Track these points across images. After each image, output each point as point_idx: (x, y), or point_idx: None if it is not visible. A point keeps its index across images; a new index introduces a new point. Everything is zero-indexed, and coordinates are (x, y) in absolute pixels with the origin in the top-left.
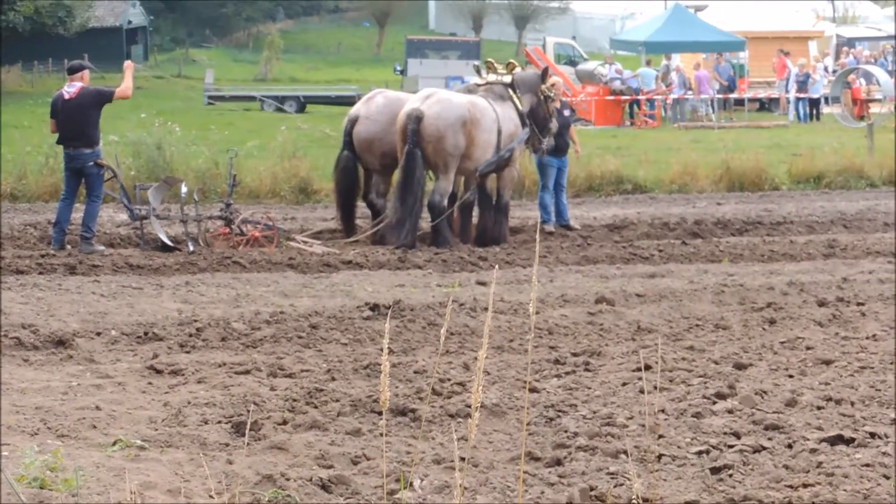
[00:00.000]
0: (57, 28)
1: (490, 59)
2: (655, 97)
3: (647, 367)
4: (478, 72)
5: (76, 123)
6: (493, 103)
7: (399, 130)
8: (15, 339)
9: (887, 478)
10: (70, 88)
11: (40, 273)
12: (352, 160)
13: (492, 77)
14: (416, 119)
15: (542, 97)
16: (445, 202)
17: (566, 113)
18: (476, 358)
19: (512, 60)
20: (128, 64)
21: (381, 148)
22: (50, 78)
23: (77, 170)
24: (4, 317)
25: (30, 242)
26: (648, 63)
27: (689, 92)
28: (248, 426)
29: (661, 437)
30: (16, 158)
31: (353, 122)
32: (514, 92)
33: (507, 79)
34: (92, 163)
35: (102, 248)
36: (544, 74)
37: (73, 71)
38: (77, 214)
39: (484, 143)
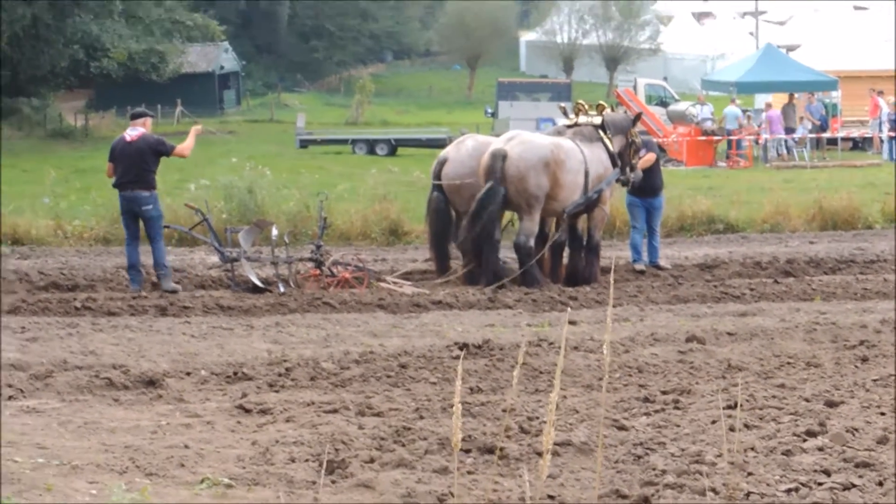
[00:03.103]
0: (150, 74)
1: (580, 101)
2: (747, 137)
3: (737, 405)
4: (564, 113)
5: (135, 166)
6: (580, 145)
7: (483, 169)
8: (106, 379)
9: None
10: (133, 132)
11: (132, 315)
12: (443, 201)
13: (582, 119)
14: (502, 157)
15: (629, 140)
16: (532, 243)
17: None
18: (565, 396)
19: (601, 102)
20: (196, 128)
21: (470, 191)
22: None
23: (134, 213)
24: (95, 357)
25: (121, 285)
26: (733, 102)
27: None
28: (333, 464)
29: (749, 474)
30: (107, 203)
31: (442, 164)
32: (605, 133)
33: (597, 120)
34: (150, 206)
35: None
36: (636, 119)
37: (135, 117)
38: (147, 259)
39: (570, 185)
